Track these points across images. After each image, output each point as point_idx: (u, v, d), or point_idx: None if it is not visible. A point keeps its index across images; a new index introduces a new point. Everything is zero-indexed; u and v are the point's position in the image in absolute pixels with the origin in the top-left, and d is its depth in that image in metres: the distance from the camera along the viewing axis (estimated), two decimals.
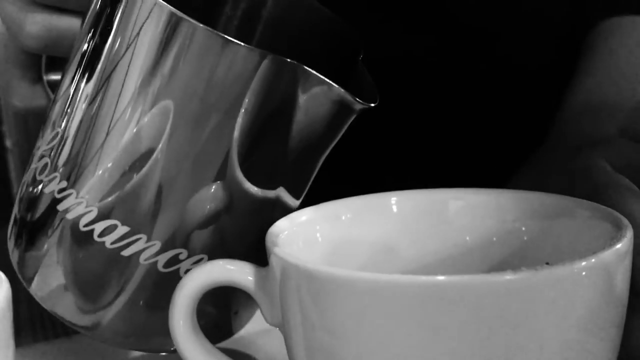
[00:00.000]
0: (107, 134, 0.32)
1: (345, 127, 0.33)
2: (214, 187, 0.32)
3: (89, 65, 0.33)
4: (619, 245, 0.26)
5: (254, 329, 0.40)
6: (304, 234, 0.33)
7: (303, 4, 0.37)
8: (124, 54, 0.31)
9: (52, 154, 0.33)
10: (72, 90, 0.33)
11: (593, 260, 0.25)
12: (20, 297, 0.35)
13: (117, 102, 0.31)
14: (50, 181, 0.33)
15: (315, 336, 0.27)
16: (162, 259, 0.32)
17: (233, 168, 0.31)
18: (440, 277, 0.25)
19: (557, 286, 0.25)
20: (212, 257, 0.33)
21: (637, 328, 0.30)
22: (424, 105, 0.56)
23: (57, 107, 0.34)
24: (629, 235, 0.27)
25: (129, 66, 0.31)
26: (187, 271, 0.32)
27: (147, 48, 0.31)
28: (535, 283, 0.24)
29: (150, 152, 0.31)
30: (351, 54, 0.36)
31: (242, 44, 0.30)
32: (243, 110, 0.31)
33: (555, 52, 0.56)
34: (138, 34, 0.31)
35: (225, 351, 0.32)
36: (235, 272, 0.31)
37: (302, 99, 0.31)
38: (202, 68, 0.30)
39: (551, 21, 0.56)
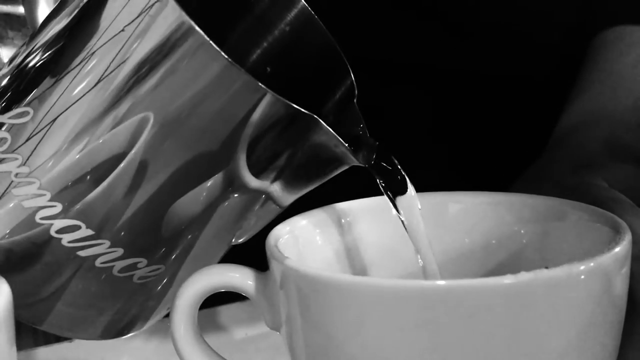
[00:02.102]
0: (82, 130, 0.30)
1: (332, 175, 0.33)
2: (186, 203, 0.31)
3: (69, 44, 0.31)
4: (617, 249, 0.26)
5: (255, 333, 0.40)
6: (304, 238, 0.33)
7: (315, 29, 0.36)
8: (117, 47, 0.30)
9: (13, 130, 0.31)
10: (49, 69, 0.31)
11: (592, 264, 0.25)
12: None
13: (100, 98, 0.30)
14: (7, 159, 0.31)
15: (316, 340, 0.27)
16: (120, 264, 0.32)
17: (210, 190, 0.31)
18: (441, 282, 0.25)
19: (556, 290, 0.25)
20: (168, 268, 0.33)
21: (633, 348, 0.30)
22: (425, 109, 0.56)
23: (24, 80, 0.32)
24: (627, 238, 0.27)
25: (118, 60, 0.29)
26: (140, 277, 0.32)
27: (144, 45, 0.29)
28: (535, 287, 0.25)
29: (123, 158, 0.30)
30: (347, 92, 0.35)
31: (260, 83, 0.28)
32: (230, 138, 0.30)
33: (558, 61, 0.56)
34: (138, 25, 0.29)
35: (226, 355, 0.32)
36: (235, 277, 0.31)
37: (302, 143, 0.30)
38: (198, 84, 0.29)
39: (555, 30, 0.56)
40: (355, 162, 0.32)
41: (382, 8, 0.55)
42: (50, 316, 0.34)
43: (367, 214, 0.35)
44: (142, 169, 0.30)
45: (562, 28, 0.56)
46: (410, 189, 0.32)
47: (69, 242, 0.31)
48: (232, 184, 0.31)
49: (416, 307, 0.25)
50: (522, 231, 0.33)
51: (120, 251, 0.31)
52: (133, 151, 0.30)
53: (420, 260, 0.33)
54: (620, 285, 0.27)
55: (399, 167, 0.32)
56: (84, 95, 0.30)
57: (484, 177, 0.47)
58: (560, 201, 0.33)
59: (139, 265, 0.32)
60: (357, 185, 0.37)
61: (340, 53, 0.35)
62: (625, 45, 0.51)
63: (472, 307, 0.24)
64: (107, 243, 0.31)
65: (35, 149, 0.31)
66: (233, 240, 0.35)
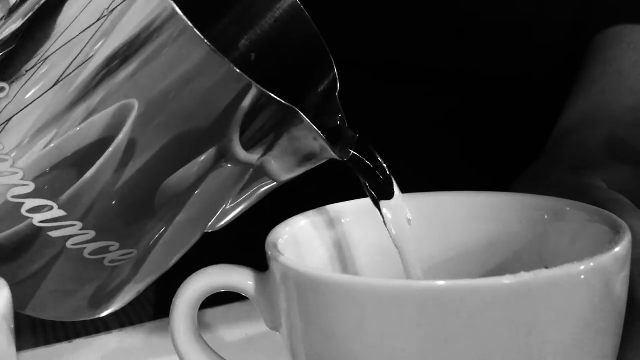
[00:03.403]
0: (63, 112, 0.30)
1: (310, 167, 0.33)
2: (164, 190, 0.31)
3: (47, 20, 0.31)
4: (617, 249, 0.26)
5: (254, 333, 0.40)
6: (304, 238, 0.33)
7: (301, 21, 0.36)
8: (99, 25, 0.29)
9: None
10: (27, 44, 0.31)
11: (592, 263, 0.25)
12: None
13: (82, 80, 0.29)
14: None
15: (316, 340, 0.27)
16: (91, 247, 0.32)
17: (186, 176, 0.31)
18: (440, 282, 0.25)
19: (555, 290, 0.25)
20: (140, 253, 0.33)
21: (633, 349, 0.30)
22: (425, 110, 0.56)
23: (3, 55, 0.31)
24: (627, 239, 0.27)
25: (101, 41, 0.29)
26: (111, 261, 0.32)
27: (127, 29, 0.29)
28: (534, 287, 0.25)
29: (103, 143, 0.30)
30: (329, 86, 0.35)
31: (245, 76, 0.28)
32: (211, 125, 0.29)
33: (558, 60, 0.56)
34: (117, 7, 0.29)
35: (226, 356, 0.32)
36: (235, 277, 0.31)
37: (282, 133, 0.30)
38: (179, 71, 0.29)
39: (554, 30, 0.56)
40: (334, 156, 0.31)
41: (382, 8, 0.55)
42: (33, 300, 0.34)
43: (366, 214, 0.35)
44: (118, 154, 0.30)
45: (562, 27, 0.56)
46: (396, 189, 0.32)
47: (40, 222, 0.31)
48: (211, 170, 0.31)
49: (416, 307, 0.25)
50: (521, 231, 0.33)
51: (92, 234, 0.31)
52: (113, 137, 0.30)
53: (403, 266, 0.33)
54: (620, 285, 0.27)
55: (380, 160, 0.32)
56: (60, 79, 0.30)
57: (484, 177, 0.47)
58: (560, 201, 0.33)
59: (110, 249, 0.32)
60: (356, 186, 0.37)
61: (324, 45, 0.35)
62: (626, 44, 0.51)
63: (472, 308, 0.24)
64: (79, 225, 0.31)
65: (10, 127, 0.31)
66: (208, 227, 0.34)
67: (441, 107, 0.56)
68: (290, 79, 0.34)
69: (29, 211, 0.31)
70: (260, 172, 0.32)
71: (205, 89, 0.29)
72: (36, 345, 0.44)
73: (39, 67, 0.30)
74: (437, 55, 0.55)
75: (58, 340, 0.44)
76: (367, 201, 0.35)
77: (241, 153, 0.31)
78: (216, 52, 0.28)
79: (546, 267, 0.25)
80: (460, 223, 0.35)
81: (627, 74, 0.50)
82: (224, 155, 0.30)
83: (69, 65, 0.30)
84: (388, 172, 0.32)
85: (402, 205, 0.32)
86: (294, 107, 0.29)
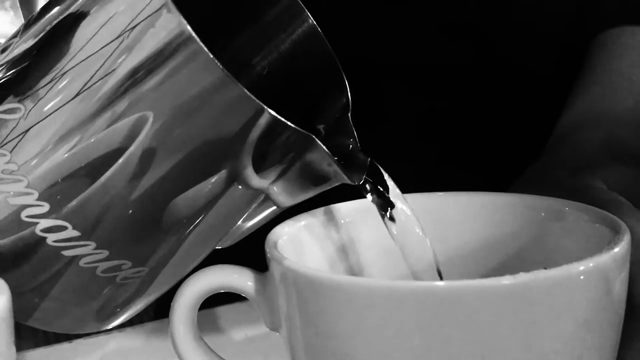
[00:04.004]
0: (70, 132, 0.30)
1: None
2: (176, 211, 0.31)
3: (63, 40, 0.31)
4: (616, 249, 0.26)
5: (254, 333, 0.40)
6: (303, 238, 0.33)
7: (316, 40, 0.36)
8: (115, 45, 0.29)
9: (1, 125, 0.31)
10: (42, 65, 0.31)
11: (591, 264, 0.25)
12: None
13: (94, 101, 0.30)
14: None
15: (315, 341, 0.27)
16: (104, 265, 0.32)
17: (200, 197, 0.31)
18: (440, 283, 0.25)
19: (554, 290, 0.25)
20: (152, 271, 0.33)
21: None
22: (425, 109, 0.56)
23: (17, 74, 0.32)
24: (626, 239, 0.27)
25: (117, 61, 0.29)
26: (123, 278, 0.32)
27: (143, 51, 0.29)
28: (534, 287, 0.25)
29: (113, 162, 0.30)
30: (342, 106, 0.35)
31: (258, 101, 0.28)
32: (224, 147, 0.30)
33: (559, 60, 0.56)
34: (134, 28, 0.29)
35: (225, 356, 0.32)
36: (234, 278, 0.31)
37: (296, 158, 0.30)
38: (193, 93, 0.29)
39: (554, 29, 0.56)
40: (347, 181, 0.32)
41: (380, 7, 0.55)
42: (35, 312, 0.34)
43: (366, 214, 0.35)
44: (132, 174, 0.30)
45: (563, 25, 0.56)
46: (405, 208, 0.32)
47: (54, 241, 0.31)
48: (223, 192, 0.31)
49: (415, 308, 0.25)
50: (521, 232, 0.33)
51: (105, 253, 0.31)
52: (123, 156, 0.30)
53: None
54: (619, 285, 0.27)
55: (390, 183, 0.32)
56: (74, 97, 0.30)
57: (484, 177, 0.47)
58: (559, 201, 0.33)
59: (123, 267, 0.32)
60: (355, 187, 0.37)
61: (338, 65, 0.35)
62: (626, 47, 0.51)
63: (471, 308, 0.24)
64: (93, 245, 0.31)
65: (23, 146, 0.31)
66: (218, 244, 0.35)
67: (440, 106, 0.56)
68: (302, 99, 0.34)
69: (43, 230, 0.31)
70: (271, 196, 0.32)
71: (218, 112, 0.29)
72: (36, 345, 0.44)
73: (54, 84, 0.30)
74: (437, 52, 0.55)
75: (58, 340, 0.44)
76: (366, 202, 0.35)
77: (253, 177, 0.31)
78: (229, 77, 0.28)
79: (545, 268, 0.25)
80: (460, 223, 0.35)
81: (628, 74, 0.50)
82: (235, 178, 0.31)
83: (82, 87, 0.30)
84: (399, 192, 0.32)
85: (411, 220, 0.32)
86: (309, 134, 0.29)
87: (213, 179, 0.30)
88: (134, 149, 0.30)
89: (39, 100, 0.31)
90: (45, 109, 0.30)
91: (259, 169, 0.30)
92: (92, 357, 0.43)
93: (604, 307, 0.26)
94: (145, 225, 0.31)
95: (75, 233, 0.31)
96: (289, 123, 0.29)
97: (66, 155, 0.30)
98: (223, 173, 0.30)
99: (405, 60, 0.55)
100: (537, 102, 0.57)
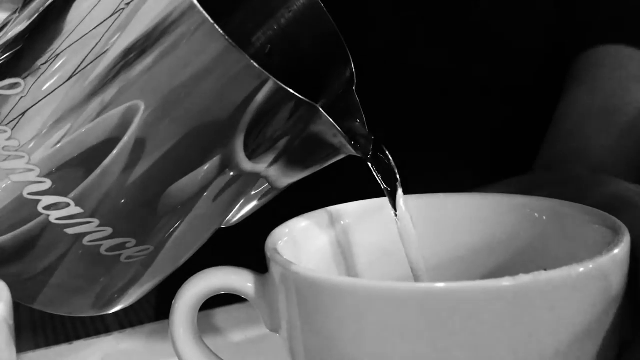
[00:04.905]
0: (77, 106, 0.30)
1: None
2: (180, 184, 0.31)
3: (58, 17, 0.30)
4: (616, 251, 0.26)
5: (254, 335, 0.40)
6: (304, 240, 0.33)
7: (319, 15, 0.35)
8: (114, 19, 0.29)
9: (2, 101, 0.31)
10: (42, 42, 0.31)
11: (591, 265, 0.25)
12: (22, 304, 0.35)
13: (96, 74, 0.29)
14: None
15: (315, 342, 0.27)
16: (108, 244, 0.31)
17: (204, 172, 0.30)
18: (439, 284, 0.25)
19: (554, 292, 0.25)
20: (157, 249, 0.32)
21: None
22: (424, 110, 0.56)
23: (18, 51, 0.31)
24: (626, 240, 0.27)
25: (116, 35, 0.29)
26: (128, 257, 0.32)
27: (144, 22, 0.28)
28: (533, 289, 0.25)
29: (117, 139, 0.29)
30: (346, 80, 0.35)
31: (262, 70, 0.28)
32: (228, 121, 0.29)
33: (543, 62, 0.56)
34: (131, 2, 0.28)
35: (225, 357, 0.32)
36: (235, 279, 0.31)
37: (300, 130, 0.30)
38: (196, 65, 0.28)
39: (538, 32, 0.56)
40: (353, 153, 0.31)
41: (377, 6, 0.55)
42: (41, 295, 0.33)
43: (365, 216, 0.35)
44: (136, 150, 0.30)
45: (544, 30, 0.56)
46: (399, 189, 0.32)
47: (57, 219, 0.31)
48: (227, 166, 0.31)
49: (415, 309, 0.25)
50: (521, 232, 0.33)
51: (109, 230, 0.31)
52: (127, 133, 0.29)
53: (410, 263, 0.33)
54: (619, 286, 0.27)
55: (393, 164, 0.32)
56: (71, 76, 0.30)
57: (483, 178, 0.47)
58: (559, 202, 0.33)
59: (127, 245, 0.32)
60: (355, 187, 0.37)
61: (342, 40, 0.34)
62: (609, 69, 0.51)
63: (471, 310, 0.24)
64: (96, 222, 0.31)
65: (24, 123, 0.30)
66: (224, 222, 0.34)
67: (440, 107, 0.56)
68: (306, 75, 0.34)
69: (45, 208, 0.31)
70: (274, 173, 0.32)
71: (223, 83, 0.28)
72: (36, 346, 0.44)
73: (53, 62, 0.30)
74: (438, 54, 0.55)
75: (58, 342, 0.44)
76: (366, 203, 0.35)
77: (258, 152, 0.30)
78: (235, 47, 0.27)
79: (545, 269, 0.25)
80: (460, 224, 0.35)
81: (611, 107, 0.49)
82: (233, 156, 0.30)
83: (84, 60, 0.29)
84: (396, 170, 0.32)
85: (401, 197, 0.32)
86: (314, 104, 0.29)
87: (216, 156, 0.30)
88: (136, 127, 0.29)
89: (40, 76, 0.30)
90: (47, 84, 0.30)
91: (263, 142, 0.30)
92: (93, 358, 0.43)
93: (604, 308, 0.26)
94: (149, 202, 0.31)
95: (78, 210, 0.31)
96: (293, 92, 0.28)
97: (66, 133, 0.30)
98: (226, 149, 0.30)
99: (405, 60, 0.55)
100: (534, 103, 0.57)
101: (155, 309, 0.67)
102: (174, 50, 0.28)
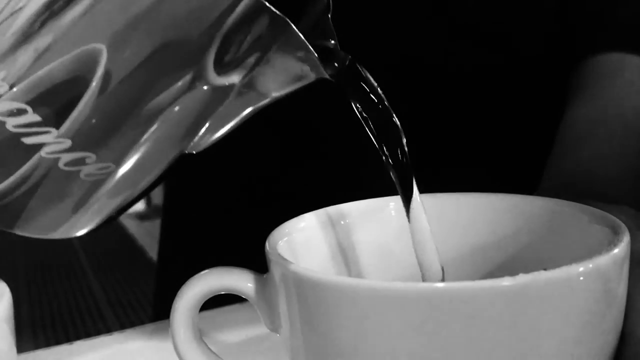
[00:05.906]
0: (42, 16, 0.29)
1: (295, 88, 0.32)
2: (144, 98, 0.30)
3: None
4: (616, 250, 0.26)
5: (254, 334, 0.40)
6: (304, 239, 0.33)
7: None
8: None
9: None
10: None
11: (590, 265, 0.25)
12: (22, 304, 0.35)
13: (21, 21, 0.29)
14: None
15: (315, 342, 0.28)
16: (66, 157, 0.31)
17: (170, 87, 0.30)
18: (440, 284, 0.25)
19: (554, 291, 0.25)
20: (118, 167, 0.32)
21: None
22: (424, 110, 0.56)
23: None
24: (626, 239, 0.27)
25: None
26: (87, 174, 0.32)
27: None
28: (533, 288, 0.25)
29: (87, 48, 0.29)
30: (322, 8, 0.33)
31: None
32: (198, 34, 0.28)
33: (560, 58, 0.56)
34: None
35: (226, 357, 0.32)
36: (235, 279, 0.31)
37: (270, 46, 0.29)
38: None
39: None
40: (324, 74, 0.30)
41: (380, 5, 0.55)
42: (19, 220, 0.33)
43: (365, 215, 0.35)
44: (106, 60, 0.29)
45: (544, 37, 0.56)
46: (396, 122, 0.31)
47: (14, 126, 0.30)
48: (195, 81, 0.30)
49: (415, 309, 0.25)
50: (521, 232, 0.33)
51: (67, 142, 0.30)
52: (93, 45, 0.29)
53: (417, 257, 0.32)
54: (619, 286, 0.27)
55: (372, 81, 0.31)
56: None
57: (484, 178, 0.47)
58: (559, 202, 0.33)
59: (87, 161, 0.31)
60: (355, 187, 0.37)
61: None
62: (610, 78, 0.51)
63: (471, 309, 0.24)
64: (54, 132, 0.30)
65: None
66: (188, 147, 0.34)
67: (441, 107, 0.56)
68: (280, 3, 0.34)
69: (2, 114, 0.30)
70: (243, 92, 0.31)
71: None
72: (36, 347, 0.44)
73: None
74: (441, 52, 0.55)
75: (58, 342, 0.44)
76: (366, 203, 0.35)
77: (224, 69, 0.30)
78: None
79: (545, 269, 0.25)
80: (459, 224, 0.35)
81: (614, 125, 0.49)
82: (204, 70, 0.29)
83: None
84: (381, 92, 0.31)
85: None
86: (285, 18, 0.28)
87: (185, 71, 0.29)
88: (104, 43, 0.28)
89: None
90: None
91: (234, 58, 0.29)
92: (93, 359, 0.43)
93: (603, 308, 0.26)
94: (110, 116, 0.30)
95: (36, 117, 0.30)
96: (266, 3, 0.28)
97: (34, 43, 0.29)
98: (193, 65, 0.29)
99: (404, 60, 0.55)
100: (536, 105, 0.57)
101: (155, 309, 0.67)
102: None
